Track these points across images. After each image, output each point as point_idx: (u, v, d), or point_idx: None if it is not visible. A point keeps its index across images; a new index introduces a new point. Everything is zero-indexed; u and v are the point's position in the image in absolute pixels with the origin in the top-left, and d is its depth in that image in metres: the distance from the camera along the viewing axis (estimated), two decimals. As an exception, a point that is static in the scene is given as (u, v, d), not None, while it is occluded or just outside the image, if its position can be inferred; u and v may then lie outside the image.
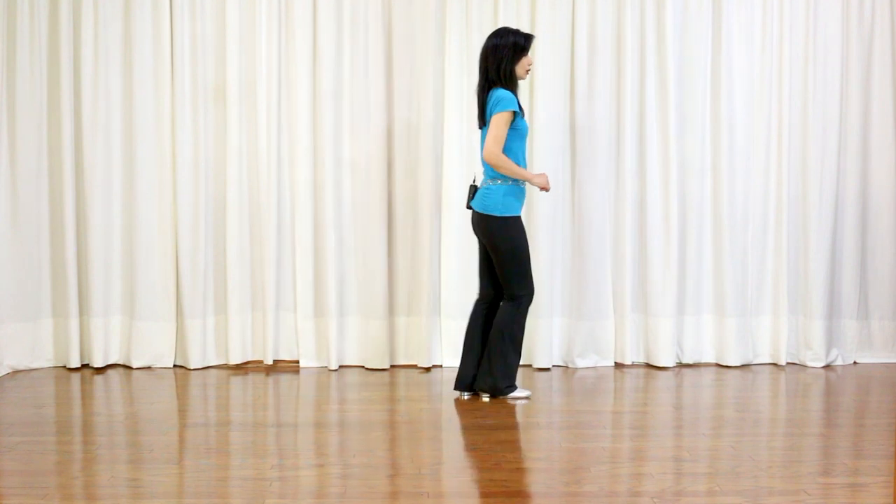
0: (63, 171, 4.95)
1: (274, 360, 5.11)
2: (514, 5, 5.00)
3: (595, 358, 5.10)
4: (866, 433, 3.79)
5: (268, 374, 4.95)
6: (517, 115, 4.20)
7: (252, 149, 5.05)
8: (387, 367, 5.06)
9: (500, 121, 4.15)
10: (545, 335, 4.98)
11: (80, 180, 5.00)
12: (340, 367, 5.09)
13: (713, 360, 5.18)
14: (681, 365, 5.15)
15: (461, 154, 5.04)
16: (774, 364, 5.17)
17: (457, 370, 4.52)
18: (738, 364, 5.11)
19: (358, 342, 5.11)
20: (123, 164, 5.04)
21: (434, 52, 5.00)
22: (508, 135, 4.19)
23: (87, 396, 4.56)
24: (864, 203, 5.18)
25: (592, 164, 5.03)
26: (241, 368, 5.08)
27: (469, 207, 4.35)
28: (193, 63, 4.98)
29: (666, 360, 5.06)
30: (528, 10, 5.01)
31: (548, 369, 5.02)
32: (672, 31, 5.01)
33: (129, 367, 5.06)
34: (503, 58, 4.23)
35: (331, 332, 5.03)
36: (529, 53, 4.30)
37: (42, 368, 5.04)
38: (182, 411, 4.24)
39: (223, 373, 4.98)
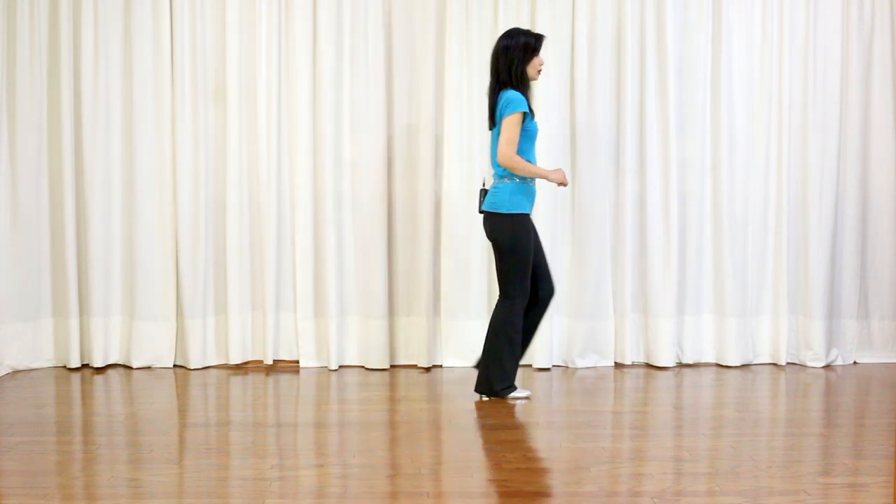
0: (63, 171, 4.95)
1: (274, 360, 5.11)
2: (514, 5, 5.00)
3: (595, 358, 5.10)
4: (866, 433, 3.79)
5: (268, 374, 4.95)
6: (527, 116, 4.20)
7: (252, 149, 5.05)
8: (387, 367, 5.06)
9: (511, 123, 4.14)
10: (545, 335, 4.97)
11: (80, 180, 5.00)
12: (340, 367, 5.09)
13: (713, 360, 5.18)
14: (681, 365, 5.15)
15: (461, 154, 5.04)
16: (774, 364, 5.17)
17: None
18: (738, 364, 5.11)
19: (358, 342, 5.11)
20: (123, 164, 5.04)
21: (434, 53, 5.00)
22: (519, 136, 4.19)
23: (87, 396, 4.56)
24: (865, 203, 5.18)
25: (592, 164, 5.03)
26: (241, 368, 5.08)
27: (481, 212, 4.33)
28: (193, 63, 4.98)
29: (666, 360, 5.06)
30: (528, 10, 5.01)
31: (548, 369, 5.02)
32: (672, 31, 5.01)
33: (129, 367, 5.06)
34: (514, 58, 4.23)
35: (331, 332, 5.03)
36: (541, 54, 4.30)
37: (42, 368, 5.04)
38: (182, 411, 4.24)
39: (223, 373, 4.98)
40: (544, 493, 3.07)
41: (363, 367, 5.10)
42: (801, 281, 5.14)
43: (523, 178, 4.23)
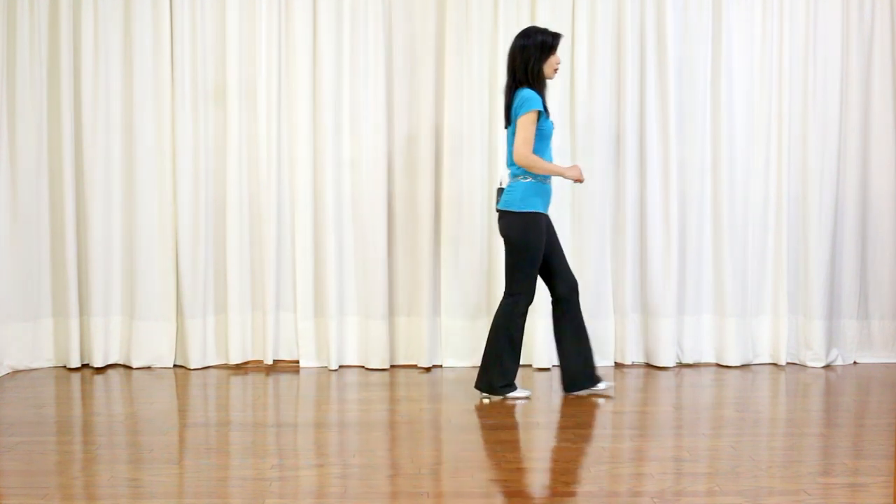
0: (63, 171, 4.95)
1: (274, 360, 5.11)
2: (514, 5, 5.00)
3: (595, 358, 5.09)
4: (866, 433, 3.79)
5: (268, 374, 4.95)
6: (542, 115, 4.21)
7: (252, 149, 5.05)
8: (387, 367, 5.06)
9: (525, 122, 4.15)
10: (545, 335, 4.98)
11: (80, 180, 5.00)
12: (340, 367, 5.09)
13: (713, 360, 5.18)
14: (681, 365, 5.15)
15: (462, 153, 5.04)
16: (774, 364, 5.17)
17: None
18: (738, 364, 5.11)
19: (358, 342, 5.11)
20: (123, 164, 5.04)
21: (434, 52, 5.00)
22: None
23: (87, 396, 4.56)
24: (864, 203, 5.18)
25: (592, 164, 5.03)
26: (241, 368, 5.08)
27: (497, 210, 4.35)
28: (193, 63, 4.98)
29: (666, 360, 5.06)
30: (528, 10, 5.01)
31: (548, 369, 5.02)
32: (672, 31, 5.01)
33: (129, 367, 5.07)
34: (530, 57, 4.24)
35: (331, 332, 5.03)
36: (557, 52, 4.30)
37: (42, 368, 5.04)
38: (182, 411, 4.24)
39: (223, 373, 4.98)
40: (544, 493, 3.07)
41: (363, 367, 5.10)
42: (801, 281, 5.14)
43: (539, 177, 4.24)
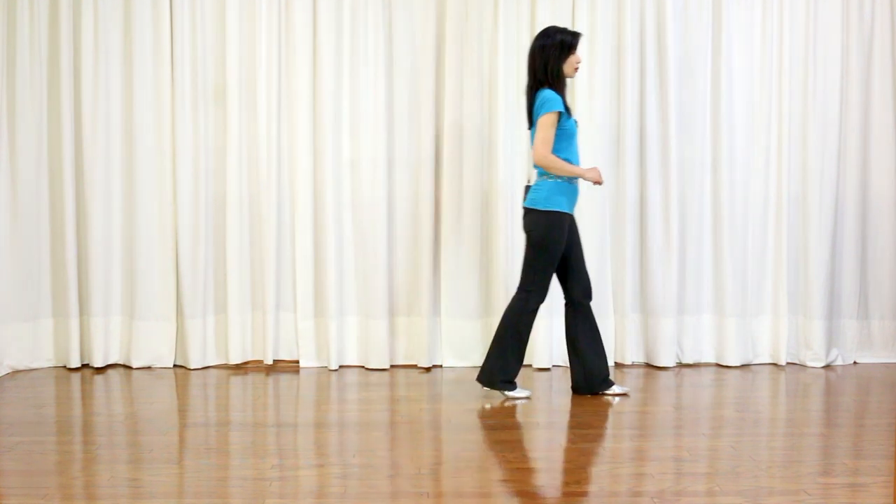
0: (63, 171, 4.95)
1: (274, 360, 5.11)
2: (515, 5, 5.00)
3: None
4: (866, 433, 3.79)
5: (268, 374, 4.95)
6: (563, 115, 4.21)
7: (252, 149, 5.05)
8: (387, 367, 5.06)
9: (545, 123, 4.16)
10: (545, 335, 4.98)
11: (80, 180, 5.00)
12: (340, 367, 5.09)
13: (713, 360, 5.18)
14: (681, 365, 5.15)
15: (461, 153, 5.03)
16: (774, 364, 5.17)
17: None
18: (738, 364, 5.11)
19: (358, 342, 5.11)
20: (123, 163, 5.04)
21: (434, 52, 5.00)
22: (556, 135, 4.20)
23: (87, 396, 4.56)
24: (865, 203, 5.18)
25: (592, 164, 5.02)
26: (241, 368, 5.08)
27: (524, 208, 4.37)
28: (193, 63, 4.98)
29: (666, 360, 5.06)
30: (528, 10, 5.01)
31: (548, 369, 5.02)
32: (672, 31, 5.01)
33: (129, 367, 5.06)
34: (550, 57, 4.24)
35: (331, 332, 5.03)
36: (577, 52, 4.31)
37: (42, 368, 5.04)
38: (182, 411, 4.24)
39: (223, 373, 4.98)
40: (544, 493, 3.07)
41: (363, 367, 5.10)
42: (801, 281, 5.14)
43: (565, 177, 4.24)
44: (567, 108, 4.24)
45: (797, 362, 5.18)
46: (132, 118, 5.01)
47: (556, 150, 4.22)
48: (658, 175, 5.06)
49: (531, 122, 4.31)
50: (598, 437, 3.74)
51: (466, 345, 5.07)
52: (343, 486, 3.14)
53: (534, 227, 4.26)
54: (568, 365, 5.07)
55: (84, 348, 5.07)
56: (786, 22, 5.06)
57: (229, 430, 3.83)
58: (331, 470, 3.32)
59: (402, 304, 5.13)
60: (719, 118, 5.08)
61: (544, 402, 4.36)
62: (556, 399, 4.43)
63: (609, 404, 4.31)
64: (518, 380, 4.43)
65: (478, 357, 5.06)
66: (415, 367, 5.11)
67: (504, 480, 3.21)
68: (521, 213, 5.03)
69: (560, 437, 3.75)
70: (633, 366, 5.13)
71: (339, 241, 5.07)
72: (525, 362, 4.93)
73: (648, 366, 5.13)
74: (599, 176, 4.28)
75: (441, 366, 5.10)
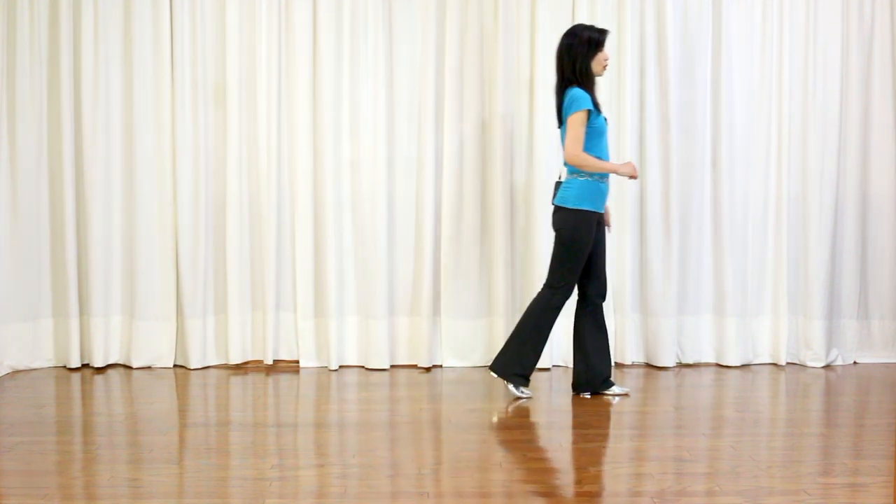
0: (63, 170, 4.95)
1: (274, 360, 5.11)
2: (515, 5, 5.00)
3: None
4: (866, 433, 3.79)
5: (268, 374, 4.95)
6: (592, 113, 4.21)
7: (252, 149, 5.05)
8: (387, 367, 5.06)
9: (575, 121, 4.17)
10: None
11: (80, 180, 5.00)
12: (340, 367, 5.09)
13: (713, 360, 5.18)
14: (681, 365, 5.15)
15: (461, 153, 5.03)
16: (774, 364, 5.17)
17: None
18: (738, 364, 5.11)
19: (358, 342, 5.11)
20: (123, 163, 5.04)
21: (434, 52, 5.00)
22: (587, 133, 4.21)
23: (87, 396, 4.56)
24: (865, 203, 5.18)
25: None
26: (241, 368, 5.08)
27: (553, 205, 4.38)
28: (193, 63, 4.98)
29: (666, 360, 5.06)
30: (528, 11, 5.01)
31: (548, 369, 5.02)
32: (672, 31, 5.01)
33: (129, 367, 5.06)
34: (578, 55, 4.25)
35: (331, 332, 5.03)
36: (605, 49, 4.31)
37: (42, 368, 5.04)
38: (182, 411, 4.24)
39: (223, 373, 4.98)
40: (544, 493, 3.07)
41: (363, 367, 5.10)
42: (801, 281, 5.14)
43: (595, 176, 4.25)
44: (596, 106, 4.25)
45: (797, 362, 5.18)
46: (132, 118, 5.01)
47: (587, 149, 4.23)
48: (658, 175, 5.06)
49: (560, 121, 4.31)
50: (598, 437, 3.74)
51: (466, 345, 5.07)
52: (343, 486, 3.14)
53: (563, 224, 4.27)
54: (568, 364, 5.09)
55: (84, 348, 5.07)
56: (786, 22, 5.06)
57: (229, 430, 3.83)
58: (331, 470, 3.32)
59: (402, 304, 5.13)
60: (719, 118, 5.08)
61: (544, 402, 4.36)
62: (556, 399, 4.43)
63: (609, 404, 4.31)
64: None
65: (478, 357, 5.06)
66: (415, 367, 5.10)
67: (504, 480, 3.20)
68: (521, 212, 5.06)
69: (560, 437, 3.75)
70: (633, 366, 5.13)
71: (339, 240, 5.07)
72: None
73: (648, 366, 5.13)
74: (634, 170, 4.28)
75: (441, 366, 5.10)
